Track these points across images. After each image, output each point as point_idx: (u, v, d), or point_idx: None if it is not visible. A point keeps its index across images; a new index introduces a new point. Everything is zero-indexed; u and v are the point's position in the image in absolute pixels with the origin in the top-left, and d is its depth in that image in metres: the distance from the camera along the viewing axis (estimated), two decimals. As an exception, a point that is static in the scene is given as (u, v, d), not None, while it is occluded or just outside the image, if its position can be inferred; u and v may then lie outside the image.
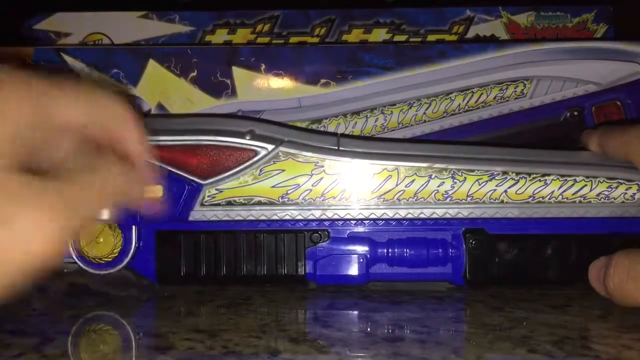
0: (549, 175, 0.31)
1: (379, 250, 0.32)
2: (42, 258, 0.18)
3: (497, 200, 0.31)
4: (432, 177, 0.31)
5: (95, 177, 0.21)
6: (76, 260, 0.31)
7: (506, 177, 0.31)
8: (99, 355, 0.23)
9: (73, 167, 0.21)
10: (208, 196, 0.32)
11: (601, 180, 0.31)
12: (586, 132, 0.33)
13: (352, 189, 0.32)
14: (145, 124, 0.32)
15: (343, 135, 0.34)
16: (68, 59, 0.39)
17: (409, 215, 0.32)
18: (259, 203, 0.32)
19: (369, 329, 0.26)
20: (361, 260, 0.31)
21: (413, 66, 0.39)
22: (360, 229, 0.32)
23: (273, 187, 0.32)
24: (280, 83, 0.39)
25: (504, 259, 0.31)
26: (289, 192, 0.32)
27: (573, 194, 0.31)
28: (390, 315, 0.28)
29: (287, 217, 0.32)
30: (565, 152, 0.32)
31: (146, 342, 0.25)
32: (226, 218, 0.32)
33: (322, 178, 0.32)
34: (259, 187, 0.32)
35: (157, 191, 0.32)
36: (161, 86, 0.39)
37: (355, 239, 0.32)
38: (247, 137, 0.32)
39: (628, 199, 0.31)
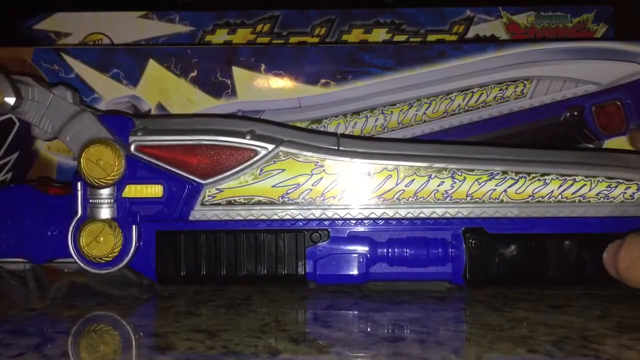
0: (548, 174, 0.31)
1: (379, 250, 0.32)
2: None
3: (496, 200, 0.31)
4: (432, 176, 0.31)
5: None
6: (76, 259, 0.31)
7: (506, 177, 0.31)
8: (99, 355, 0.23)
9: None
10: (208, 196, 0.32)
11: (600, 180, 0.31)
12: (634, 130, 0.33)
13: (352, 188, 0.32)
14: (146, 124, 0.33)
15: (343, 135, 0.34)
16: (68, 59, 0.40)
17: (409, 215, 0.32)
18: (259, 203, 0.32)
19: (369, 329, 0.26)
20: (361, 259, 0.31)
21: (413, 66, 0.39)
22: (360, 228, 0.32)
23: (273, 186, 0.32)
24: (280, 83, 0.39)
25: (503, 259, 0.31)
26: (289, 191, 0.32)
27: (572, 194, 0.31)
28: (390, 315, 0.28)
29: (287, 217, 0.32)
30: (565, 151, 0.32)
31: (146, 342, 0.25)
32: (226, 218, 0.32)
33: (322, 178, 0.32)
34: (259, 187, 0.32)
35: (157, 191, 0.32)
36: (161, 86, 0.39)
37: (355, 238, 0.32)
38: (248, 137, 0.32)
39: (627, 199, 0.31)
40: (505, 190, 0.31)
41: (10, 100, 0.31)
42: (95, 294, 0.33)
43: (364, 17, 0.46)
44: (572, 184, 0.31)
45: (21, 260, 0.33)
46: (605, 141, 0.40)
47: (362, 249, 0.32)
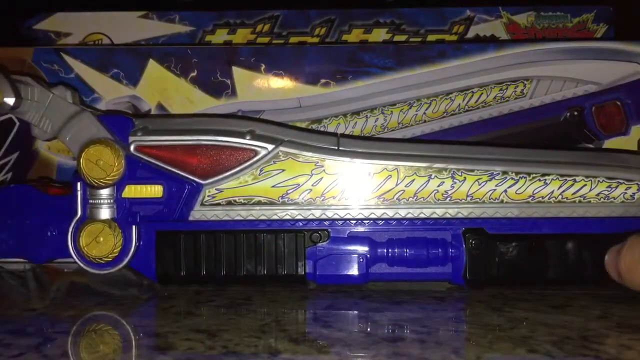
0: (548, 175, 0.31)
1: (379, 250, 0.32)
2: None
3: (496, 200, 0.31)
4: (432, 177, 0.31)
5: None
6: (76, 260, 0.31)
7: (506, 177, 0.31)
8: (99, 355, 0.23)
9: None
10: (208, 196, 0.32)
11: (601, 180, 0.31)
12: None
13: (352, 188, 0.32)
14: (145, 124, 0.33)
15: (343, 135, 0.34)
16: (68, 59, 0.40)
17: (409, 215, 0.32)
18: (259, 203, 0.32)
19: (369, 329, 0.26)
20: (361, 260, 0.31)
21: (413, 66, 0.39)
22: (360, 228, 0.32)
23: (273, 186, 0.32)
24: (280, 83, 0.39)
25: (503, 259, 0.31)
26: (289, 191, 0.32)
27: (573, 194, 0.31)
28: (390, 315, 0.28)
29: (287, 217, 0.32)
30: (565, 152, 0.32)
31: (146, 342, 0.25)
32: (226, 218, 0.32)
33: (322, 178, 0.32)
34: (259, 187, 0.32)
35: (157, 191, 0.32)
36: (161, 86, 0.39)
37: (355, 238, 0.32)
38: (247, 137, 0.32)
39: (628, 199, 0.31)
40: (505, 191, 0.31)
41: (10, 100, 0.31)
42: (95, 294, 0.33)
43: (364, 17, 0.46)
44: (572, 184, 0.31)
45: (21, 260, 0.33)
46: (605, 141, 0.40)
47: (362, 249, 0.32)
